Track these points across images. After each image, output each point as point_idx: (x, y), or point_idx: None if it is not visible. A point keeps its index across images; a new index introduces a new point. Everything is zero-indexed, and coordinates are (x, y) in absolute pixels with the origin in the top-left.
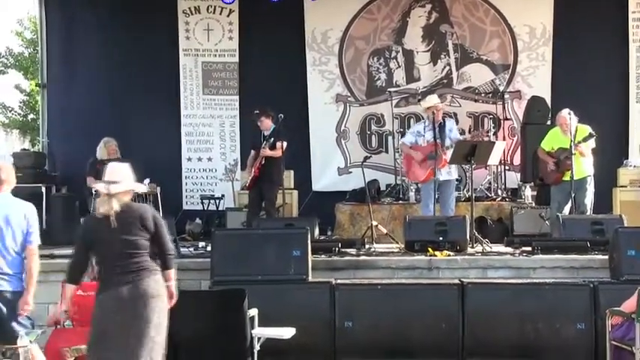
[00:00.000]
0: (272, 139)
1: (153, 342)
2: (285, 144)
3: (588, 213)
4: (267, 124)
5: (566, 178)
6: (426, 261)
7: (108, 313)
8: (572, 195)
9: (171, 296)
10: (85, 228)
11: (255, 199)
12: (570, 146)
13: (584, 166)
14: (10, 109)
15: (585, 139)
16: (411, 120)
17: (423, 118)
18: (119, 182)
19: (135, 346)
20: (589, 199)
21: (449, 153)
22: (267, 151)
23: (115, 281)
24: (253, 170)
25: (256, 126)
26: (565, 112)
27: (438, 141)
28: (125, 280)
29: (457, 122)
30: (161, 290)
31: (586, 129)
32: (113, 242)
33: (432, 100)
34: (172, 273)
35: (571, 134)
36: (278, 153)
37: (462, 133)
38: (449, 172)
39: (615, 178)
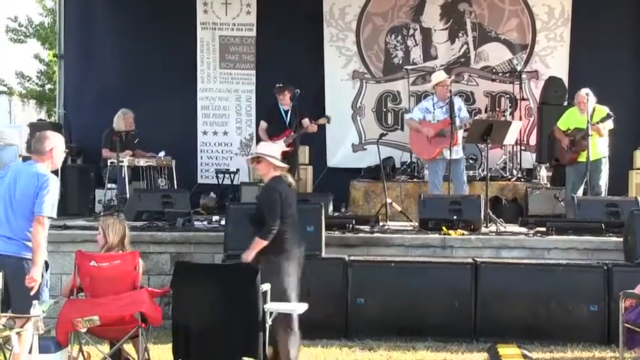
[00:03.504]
0: (300, 117)
1: None
2: None
3: (602, 195)
4: (287, 99)
5: (581, 159)
6: (440, 239)
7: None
8: (587, 176)
9: None
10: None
11: None
12: (587, 127)
13: (599, 147)
14: (28, 78)
15: (603, 120)
16: (425, 97)
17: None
18: None
19: None
20: (603, 181)
21: (459, 133)
22: (315, 127)
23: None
24: (286, 146)
25: (271, 99)
26: (583, 92)
27: (450, 118)
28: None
29: (474, 101)
30: None
31: (604, 110)
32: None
33: (440, 75)
34: None
35: (587, 114)
36: None
37: (479, 112)
38: (457, 151)
39: (631, 160)
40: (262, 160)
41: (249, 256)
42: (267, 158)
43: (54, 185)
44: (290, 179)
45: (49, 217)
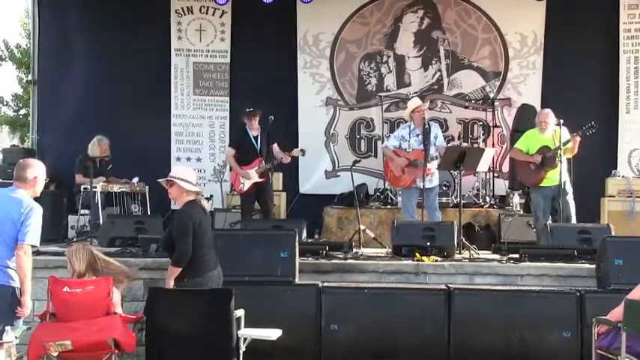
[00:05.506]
0: (270, 143)
1: None
2: None
3: (573, 218)
4: (256, 125)
5: (547, 183)
6: (413, 266)
7: None
8: (555, 200)
9: None
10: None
11: (250, 202)
12: (559, 146)
13: (563, 171)
14: (5, 102)
15: (585, 131)
16: (401, 125)
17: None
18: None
19: None
20: (572, 204)
21: (433, 163)
22: (289, 158)
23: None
24: (258, 176)
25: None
26: (544, 112)
27: (424, 147)
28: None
29: (447, 128)
30: None
31: (564, 131)
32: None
33: (415, 102)
34: None
35: (555, 137)
36: None
37: (452, 139)
38: (431, 180)
39: (603, 187)
40: (174, 183)
41: (167, 284)
42: (177, 182)
43: (39, 214)
44: (204, 203)
45: (33, 246)
